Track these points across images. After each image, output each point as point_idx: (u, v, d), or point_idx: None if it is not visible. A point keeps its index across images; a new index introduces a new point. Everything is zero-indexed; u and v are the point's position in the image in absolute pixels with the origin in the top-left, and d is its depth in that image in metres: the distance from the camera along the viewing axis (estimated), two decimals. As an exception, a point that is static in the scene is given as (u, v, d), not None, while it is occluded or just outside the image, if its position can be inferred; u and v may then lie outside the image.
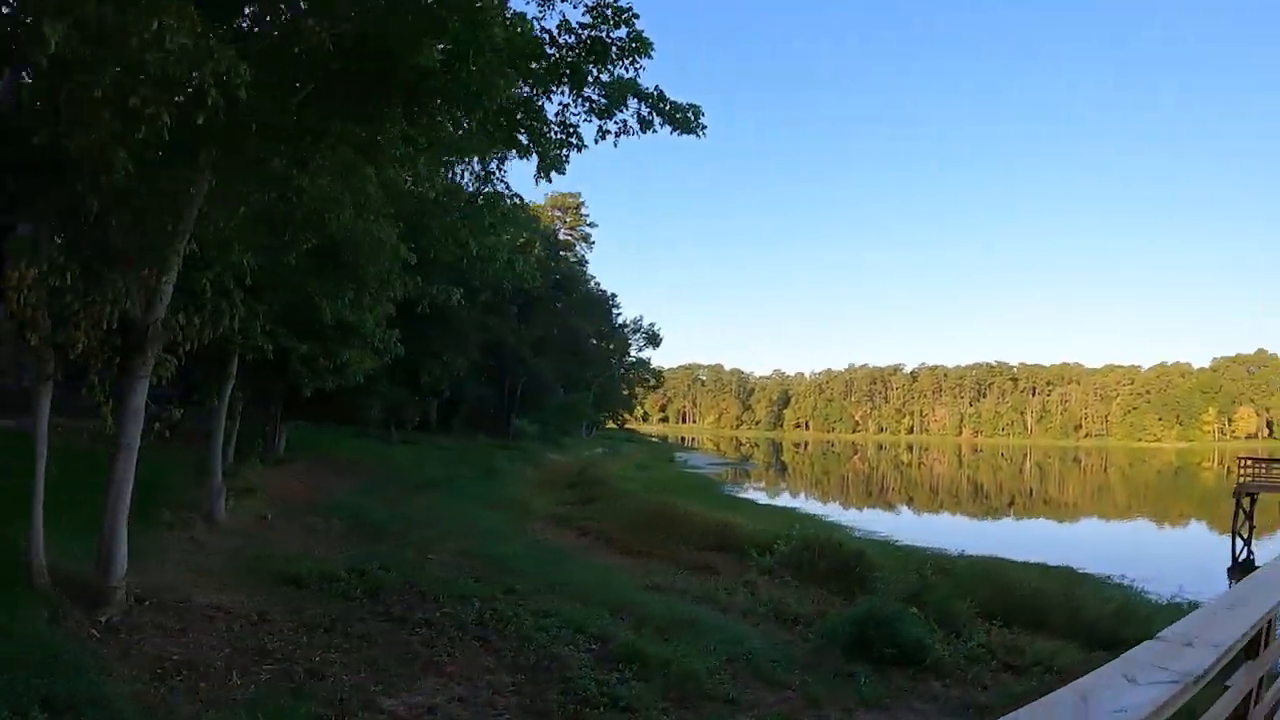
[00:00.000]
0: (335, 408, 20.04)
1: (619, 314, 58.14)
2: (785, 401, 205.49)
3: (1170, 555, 23.99)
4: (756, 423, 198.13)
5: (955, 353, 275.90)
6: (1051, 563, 16.69)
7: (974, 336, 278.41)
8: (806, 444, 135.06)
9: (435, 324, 21.42)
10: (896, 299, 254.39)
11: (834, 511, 29.56)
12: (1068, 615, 9.71)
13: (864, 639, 7.67)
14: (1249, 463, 26.62)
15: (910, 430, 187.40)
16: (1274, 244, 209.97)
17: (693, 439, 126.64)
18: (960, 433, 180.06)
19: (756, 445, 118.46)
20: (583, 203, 61.15)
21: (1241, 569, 20.08)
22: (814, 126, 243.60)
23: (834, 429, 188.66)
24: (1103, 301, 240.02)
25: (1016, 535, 28.25)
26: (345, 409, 21.14)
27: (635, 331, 59.43)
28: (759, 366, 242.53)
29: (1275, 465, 27.37)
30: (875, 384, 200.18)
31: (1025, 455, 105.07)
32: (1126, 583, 14.42)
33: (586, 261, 59.87)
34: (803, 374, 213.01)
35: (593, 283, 55.84)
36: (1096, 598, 10.69)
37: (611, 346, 56.30)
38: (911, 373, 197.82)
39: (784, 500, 34.50)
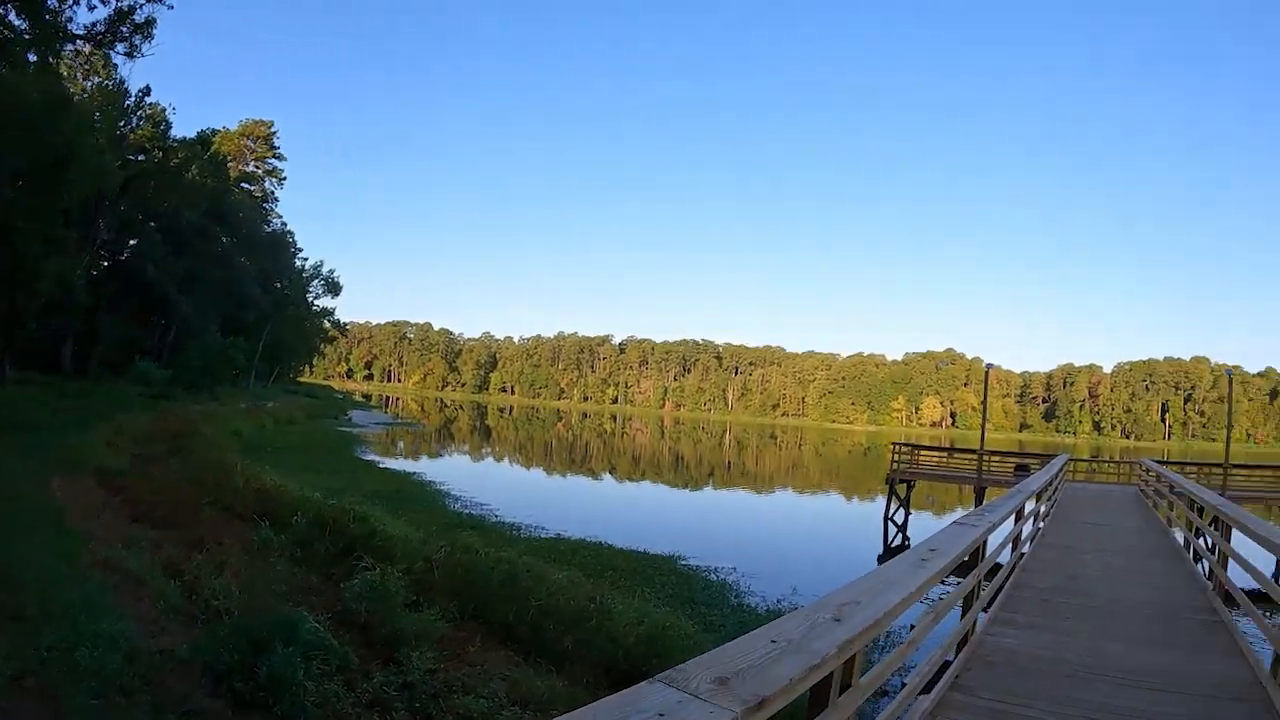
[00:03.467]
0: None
1: (303, 258, 51.53)
2: (493, 365, 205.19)
3: (840, 533, 23.61)
4: (462, 385, 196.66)
5: (663, 328, 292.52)
6: (689, 548, 16.02)
7: (681, 315, 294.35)
8: (511, 409, 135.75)
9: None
10: (610, 270, 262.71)
11: (465, 477, 27.73)
12: (584, 637, 7.93)
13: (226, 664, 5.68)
14: (902, 449, 26.75)
15: (615, 400, 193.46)
16: (964, 253, 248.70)
17: (396, 399, 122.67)
18: (663, 405, 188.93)
19: (461, 408, 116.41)
20: (275, 132, 54.73)
21: (891, 556, 19.75)
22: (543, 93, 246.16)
23: (540, 395, 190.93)
24: (808, 295, 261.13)
25: (678, 509, 27.96)
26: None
27: (314, 278, 53.00)
28: (470, 329, 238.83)
29: (928, 451, 28.22)
30: (583, 353, 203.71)
31: (725, 430, 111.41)
32: (732, 580, 13.91)
33: (275, 199, 53.36)
34: (511, 339, 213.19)
35: (277, 223, 48.12)
36: (633, 613, 8.78)
37: (287, 292, 48.35)
38: (620, 344, 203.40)
39: (405, 464, 31.55)
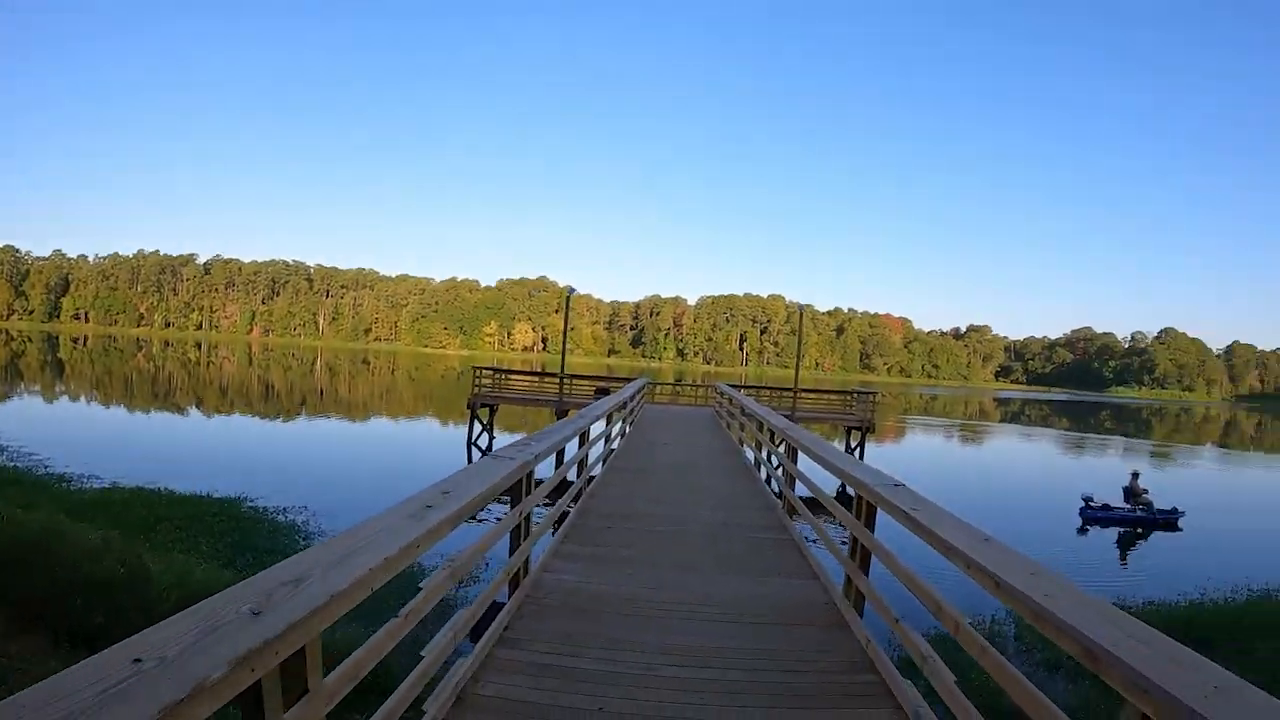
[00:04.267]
0: None
1: None
2: (65, 288, 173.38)
3: (428, 459, 22.86)
4: (30, 312, 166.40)
5: (251, 247, 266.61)
6: (262, 487, 14.93)
7: (271, 234, 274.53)
8: (86, 339, 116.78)
9: None
10: (196, 179, 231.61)
11: (18, 423, 23.95)
12: (116, 609, 6.53)
13: None
14: (484, 373, 26.22)
15: (199, 326, 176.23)
16: (557, 184, 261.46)
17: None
18: (251, 330, 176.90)
19: (30, 340, 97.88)
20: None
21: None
22: None
23: (118, 321, 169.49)
24: (403, 217, 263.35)
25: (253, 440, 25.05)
26: None
27: None
28: (38, 246, 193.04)
29: (512, 375, 27.98)
30: (165, 274, 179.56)
31: (316, 356, 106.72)
32: (302, 521, 13.11)
33: None
34: (86, 257, 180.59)
35: None
36: (172, 575, 7.84)
37: None
38: (204, 264, 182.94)
39: None
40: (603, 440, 11.20)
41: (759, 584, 5.62)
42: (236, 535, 11.45)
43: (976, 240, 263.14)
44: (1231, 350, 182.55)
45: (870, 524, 4.57)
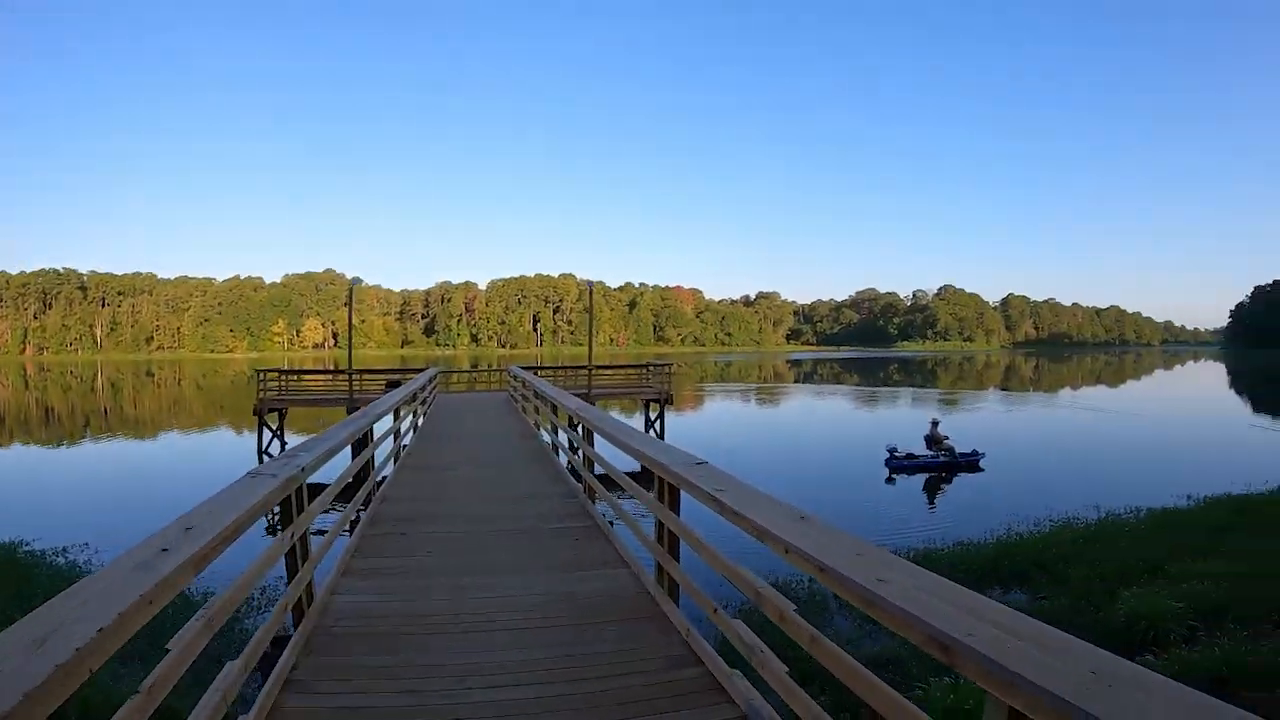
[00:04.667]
0: None
1: None
2: None
3: (222, 473, 19.25)
4: None
5: (16, 257, 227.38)
6: (39, 527, 13.00)
7: (37, 240, 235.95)
8: None
9: None
10: None
11: None
12: None
13: None
14: (269, 375, 24.61)
15: None
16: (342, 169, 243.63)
17: None
18: (24, 349, 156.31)
19: None
20: None
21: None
22: None
23: None
24: (179, 213, 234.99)
25: None
26: None
27: None
28: None
29: (301, 376, 26.01)
30: None
31: (96, 372, 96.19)
32: (84, 560, 11.48)
33: None
34: None
35: None
36: None
37: None
38: None
39: None
40: (392, 437, 10.36)
41: (569, 580, 5.30)
42: (15, 586, 9.43)
43: (763, 211, 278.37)
44: (1007, 302, 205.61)
45: (675, 507, 4.28)
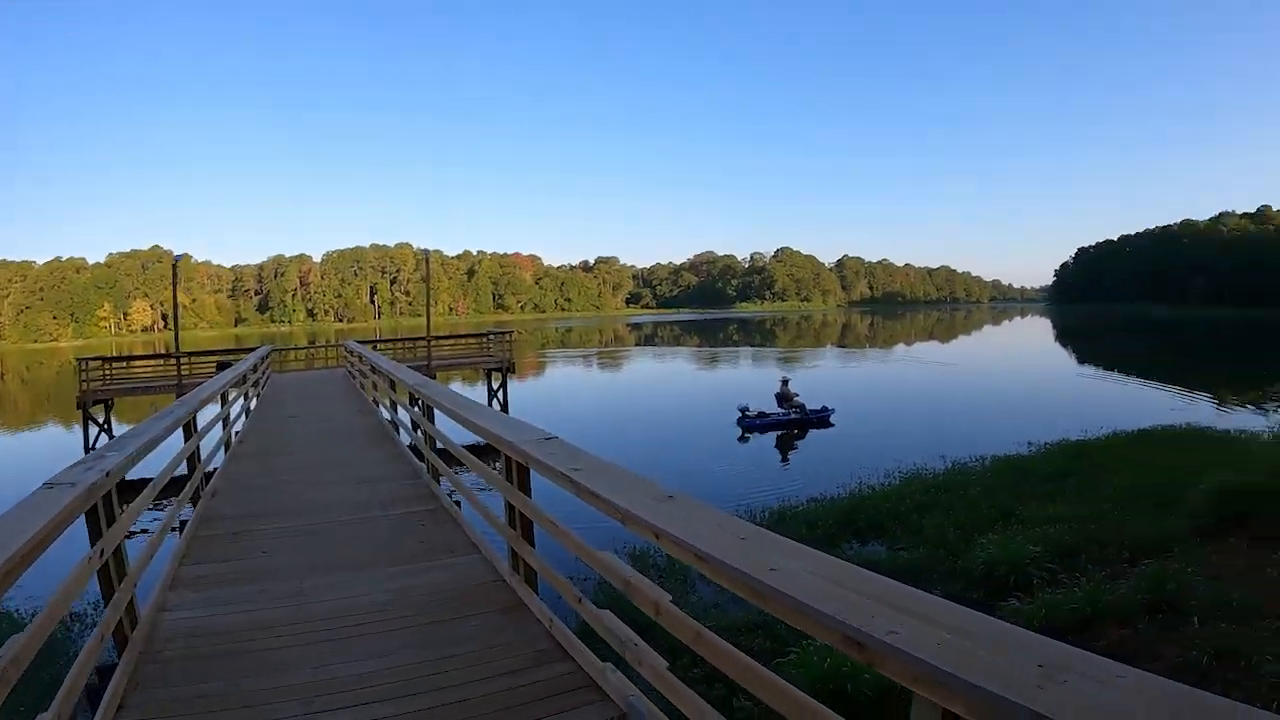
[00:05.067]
0: None
1: None
2: None
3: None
4: None
5: None
6: None
7: None
8: None
9: None
10: None
11: None
12: None
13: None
14: (90, 364, 22.50)
15: None
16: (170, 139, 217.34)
17: None
18: None
19: None
20: None
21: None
22: None
23: None
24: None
25: None
26: None
27: None
28: None
29: (127, 362, 23.65)
30: None
31: None
32: None
33: None
34: None
35: None
36: None
37: None
38: None
39: None
40: (220, 424, 9.27)
41: (419, 571, 4.92)
42: None
43: (600, 177, 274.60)
44: (842, 263, 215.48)
45: (525, 488, 3.96)
